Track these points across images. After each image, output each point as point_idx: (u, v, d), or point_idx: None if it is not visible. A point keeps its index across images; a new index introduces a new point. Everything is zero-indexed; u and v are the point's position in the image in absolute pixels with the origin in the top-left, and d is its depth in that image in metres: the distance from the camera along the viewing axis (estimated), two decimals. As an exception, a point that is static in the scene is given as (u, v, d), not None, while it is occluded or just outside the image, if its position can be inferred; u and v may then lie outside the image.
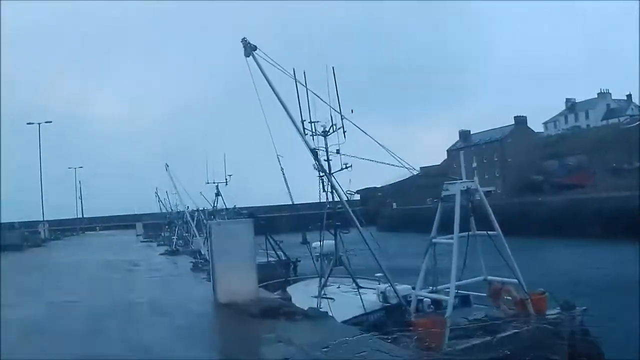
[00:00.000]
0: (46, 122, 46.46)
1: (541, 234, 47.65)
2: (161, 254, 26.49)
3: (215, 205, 26.52)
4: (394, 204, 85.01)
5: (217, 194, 25.69)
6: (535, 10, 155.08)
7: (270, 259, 22.01)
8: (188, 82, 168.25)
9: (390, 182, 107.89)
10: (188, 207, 36.03)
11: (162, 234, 48.99)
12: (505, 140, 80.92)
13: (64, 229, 65.85)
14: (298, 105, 12.69)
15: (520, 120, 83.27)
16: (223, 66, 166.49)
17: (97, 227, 72.81)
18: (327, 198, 13.28)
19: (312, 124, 13.00)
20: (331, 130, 13.15)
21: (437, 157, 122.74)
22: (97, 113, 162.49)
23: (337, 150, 13.06)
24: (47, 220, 52.72)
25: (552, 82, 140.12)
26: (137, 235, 52.91)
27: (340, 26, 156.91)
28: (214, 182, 25.36)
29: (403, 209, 78.77)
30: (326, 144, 13.07)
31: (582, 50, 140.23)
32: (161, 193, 51.09)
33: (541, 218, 54.97)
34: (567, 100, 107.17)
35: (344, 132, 12.98)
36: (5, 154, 48.43)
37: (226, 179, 25.29)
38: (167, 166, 31.09)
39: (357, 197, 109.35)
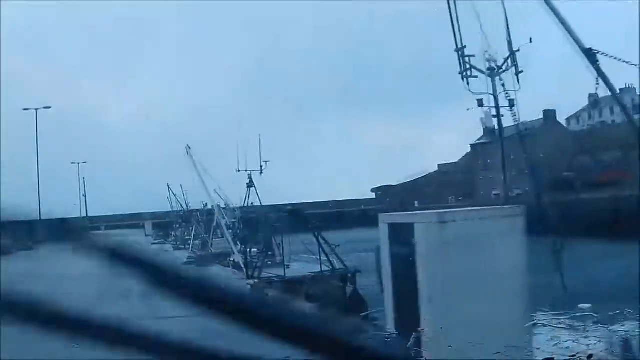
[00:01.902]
0: (45, 108, 41.68)
1: (585, 235, 43.31)
2: (185, 263, 21.44)
3: (247, 199, 21.46)
4: (416, 202, 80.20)
5: (250, 185, 20.63)
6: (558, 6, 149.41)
7: (323, 268, 17.37)
8: (204, 79, 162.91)
9: (408, 180, 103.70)
10: (206, 203, 31.40)
11: (174, 234, 44.59)
12: (534, 135, 76.38)
13: (66, 228, 61.31)
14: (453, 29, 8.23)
15: (550, 115, 78.84)
16: (236, 63, 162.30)
17: (102, 227, 68.26)
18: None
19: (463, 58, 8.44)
20: (504, 67, 8.65)
21: (453, 154, 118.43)
22: (104, 105, 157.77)
23: (510, 101, 8.59)
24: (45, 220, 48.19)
25: (573, 78, 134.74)
26: (147, 235, 48.47)
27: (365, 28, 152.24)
28: (245, 170, 20.29)
29: (427, 208, 73.68)
30: (494, 89, 8.54)
31: (603, 46, 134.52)
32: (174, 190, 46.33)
33: (581, 217, 50.72)
34: (590, 95, 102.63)
35: (518, 73, 8.47)
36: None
37: (261, 167, 20.33)
38: (189, 148, 25.38)
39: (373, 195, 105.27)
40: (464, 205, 74.58)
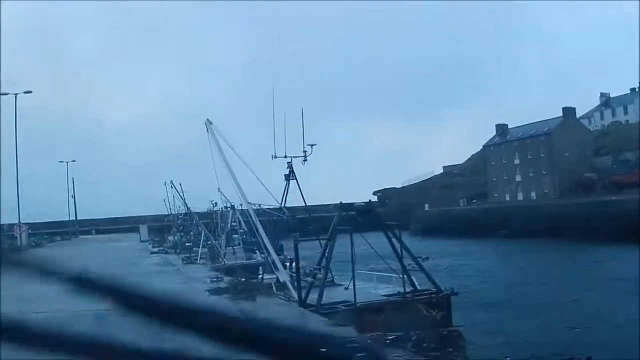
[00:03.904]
0: (25, 93, 36.11)
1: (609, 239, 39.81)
2: (210, 291, 15.13)
3: (286, 195, 15.96)
4: (426, 205, 75.82)
5: (290, 178, 15.21)
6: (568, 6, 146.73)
7: (405, 288, 12.43)
8: (207, 77, 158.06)
9: (412, 182, 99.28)
10: (216, 203, 26.47)
11: (174, 238, 39.43)
12: (553, 134, 72.12)
13: (52, 232, 55.93)
14: None
15: (569, 112, 74.40)
16: (237, 63, 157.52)
17: (93, 231, 62.80)
18: None
19: None
20: None
21: (459, 156, 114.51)
22: (100, 98, 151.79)
23: None
24: (31, 223, 43.29)
25: (581, 77, 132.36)
26: (142, 240, 43.11)
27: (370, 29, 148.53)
28: (284, 157, 14.77)
29: (439, 211, 69.61)
30: None
31: (612, 46, 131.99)
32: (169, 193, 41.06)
33: (604, 220, 46.88)
34: (602, 95, 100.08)
35: None
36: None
37: (304, 152, 14.98)
38: (210, 123, 18.13)
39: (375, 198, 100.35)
40: (476, 208, 70.31)
